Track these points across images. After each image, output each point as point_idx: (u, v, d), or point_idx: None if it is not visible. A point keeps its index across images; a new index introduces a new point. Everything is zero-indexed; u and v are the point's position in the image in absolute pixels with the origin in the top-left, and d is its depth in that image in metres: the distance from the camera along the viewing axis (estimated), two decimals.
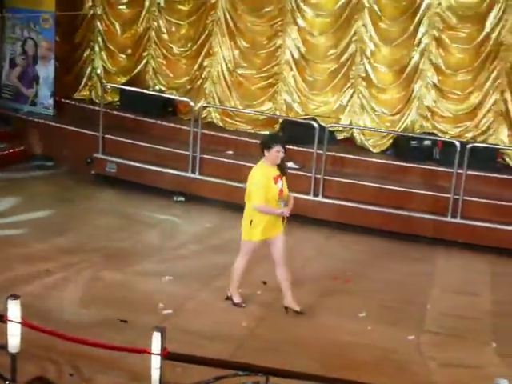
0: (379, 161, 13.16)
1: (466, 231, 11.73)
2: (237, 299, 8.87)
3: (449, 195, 11.80)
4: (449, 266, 11.16)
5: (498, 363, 7.84)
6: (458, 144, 11.82)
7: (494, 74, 13.02)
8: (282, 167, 8.46)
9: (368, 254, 11.29)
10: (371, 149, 13.64)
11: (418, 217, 11.94)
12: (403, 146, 13.25)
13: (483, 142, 13.05)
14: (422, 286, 10.13)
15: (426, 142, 13.17)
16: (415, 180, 12.60)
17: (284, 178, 8.47)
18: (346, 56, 13.71)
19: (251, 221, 8.44)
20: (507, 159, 13.13)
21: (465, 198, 11.76)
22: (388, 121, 13.72)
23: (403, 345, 8.28)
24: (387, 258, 11.19)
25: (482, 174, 12.35)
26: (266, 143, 8.44)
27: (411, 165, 12.83)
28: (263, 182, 8.28)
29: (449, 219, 11.82)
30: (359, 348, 8.10)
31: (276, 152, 8.32)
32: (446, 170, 12.19)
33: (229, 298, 8.93)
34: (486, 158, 12.59)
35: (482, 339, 8.50)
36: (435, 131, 13.38)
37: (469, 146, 11.78)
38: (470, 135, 13.22)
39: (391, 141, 13.60)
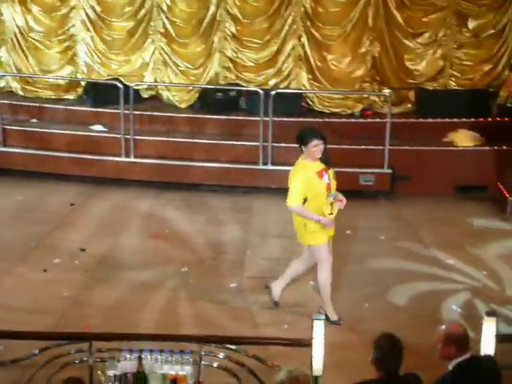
0: (187, 115, 13.19)
1: (277, 177, 12.00)
2: (334, 317, 7.82)
3: (258, 143, 12.02)
4: (265, 211, 11.40)
5: (317, 299, 8.09)
6: (261, 92, 12.04)
7: (289, 20, 13.29)
8: (325, 160, 7.63)
9: (184, 209, 11.35)
10: (178, 104, 13.63)
11: (231, 167, 12.11)
12: (209, 99, 13.32)
13: (286, 88, 13.36)
14: (238, 235, 10.35)
15: (232, 93, 13.35)
16: (224, 132, 12.73)
17: (330, 170, 7.68)
18: (142, 12, 13.54)
19: (305, 224, 7.61)
20: (310, 103, 13.52)
21: (274, 144, 11.97)
22: (192, 75, 13.71)
23: (227, 293, 8.49)
24: (203, 211, 11.28)
25: (288, 119, 12.61)
26: (302, 139, 7.61)
27: (218, 117, 12.95)
28: (302, 184, 7.51)
29: (260, 167, 12.06)
30: (180, 302, 8.24)
31: (314, 147, 7.52)
32: (254, 118, 12.37)
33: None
34: (290, 103, 12.91)
35: (300, 279, 8.76)
36: (239, 81, 13.54)
37: (272, 92, 12.01)
38: (272, 82, 13.49)
39: (197, 95, 13.63)
